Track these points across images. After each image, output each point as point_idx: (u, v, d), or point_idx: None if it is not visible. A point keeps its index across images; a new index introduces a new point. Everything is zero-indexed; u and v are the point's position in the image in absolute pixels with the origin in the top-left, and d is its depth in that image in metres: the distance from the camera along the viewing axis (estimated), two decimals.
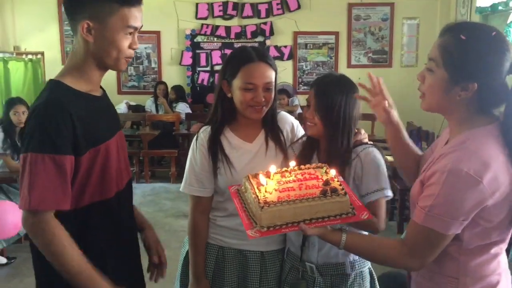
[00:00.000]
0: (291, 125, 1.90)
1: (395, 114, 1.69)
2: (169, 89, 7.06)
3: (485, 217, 1.25)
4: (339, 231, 1.44)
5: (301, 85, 7.59)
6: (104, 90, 1.61)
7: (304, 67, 7.53)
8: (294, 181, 1.55)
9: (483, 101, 1.29)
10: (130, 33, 1.43)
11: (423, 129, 5.66)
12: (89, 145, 1.39)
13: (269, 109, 1.79)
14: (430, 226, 1.25)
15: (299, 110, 6.55)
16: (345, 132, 1.72)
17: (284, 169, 1.61)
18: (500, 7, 5.63)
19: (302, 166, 1.62)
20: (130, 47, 1.44)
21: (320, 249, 1.75)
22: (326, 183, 1.49)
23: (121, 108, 6.83)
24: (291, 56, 7.47)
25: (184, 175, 1.86)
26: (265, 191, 1.48)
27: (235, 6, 7.27)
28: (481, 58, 1.25)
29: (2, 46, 6.81)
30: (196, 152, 1.81)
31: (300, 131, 1.91)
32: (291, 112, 5.65)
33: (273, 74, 1.75)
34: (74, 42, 1.46)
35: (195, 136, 1.85)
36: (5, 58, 6.12)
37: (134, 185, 6.00)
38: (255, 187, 1.50)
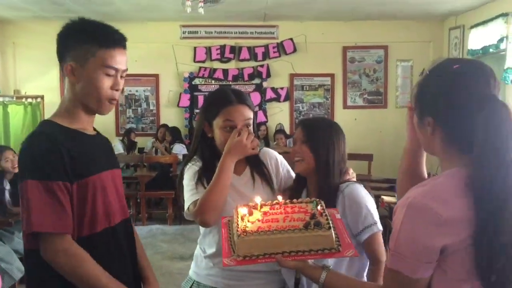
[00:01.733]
0: (275, 159, 1.95)
1: None
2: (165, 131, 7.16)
3: (450, 265, 1.15)
4: (320, 268, 1.39)
5: None
6: (97, 132, 1.64)
7: (300, 108, 7.63)
8: (280, 213, 1.53)
9: (451, 140, 1.21)
10: (110, 75, 1.47)
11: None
12: (75, 177, 1.42)
13: None
14: (396, 269, 1.17)
15: None
16: (338, 169, 1.77)
17: (275, 201, 1.60)
18: (491, 50, 5.78)
19: (295, 200, 1.61)
20: (112, 88, 1.48)
21: None
22: (312, 216, 1.47)
23: (117, 146, 6.86)
24: (288, 97, 7.58)
25: (186, 198, 1.82)
26: (247, 221, 1.47)
27: (233, 49, 7.43)
28: (436, 91, 1.21)
29: (3, 90, 6.90)
30: (192, 174, 1.82)
31: (285, 166, 1.96)
32: (288, 153, 5.65)
33: (251, 114, 1.83)
34: (65, 85, 1.54)
35: (185, 167, 1.87)
36: (5, 102, 6.19)
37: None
38: (239, 217, 1.49)
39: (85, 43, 1.45)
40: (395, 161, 6.16)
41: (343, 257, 1.42)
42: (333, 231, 1.40)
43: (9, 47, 7.22)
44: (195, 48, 7.45)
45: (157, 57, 7.39)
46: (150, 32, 7.25)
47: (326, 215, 1.46)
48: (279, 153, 2.05)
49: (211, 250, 1.84)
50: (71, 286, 1.42)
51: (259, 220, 1.48)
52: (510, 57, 5.37)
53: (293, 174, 1.93)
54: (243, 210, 1.52)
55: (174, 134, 7.12)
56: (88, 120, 1.55)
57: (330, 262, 1.74)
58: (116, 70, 1.47)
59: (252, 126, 1.84)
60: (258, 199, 1.60)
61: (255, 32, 7.48)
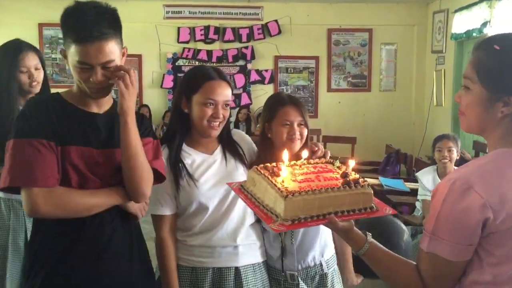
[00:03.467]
0: (247, 140, 1.99)
1: None
2: (152, 112, 7.07)
3: (486, 247, 1.14)
4: (364, 236, 1.31)
5: None
6: (114, 110, 1.58)
7: (285, 90, 7.60)
8: (309, 173, 1.43)
9: None
10: (86, 68, 1.45)
11: (401, 152, 5.74)
12: (57, 143, 1.48)
13: (224, 125, 1.86)
14: (434, 251, 1.14)
15: None
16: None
17: (292, 162, 1.52)
18: (474, 34, 5.81)
19: (311, 161, 1.56)
20: (88, 80, 1.47)
21: (299, 257, 1.86)
22: (345, 175, 1.38)
23: None
24: (272, 80, 7.55)
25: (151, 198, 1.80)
26: (282, 182, 1.34)
27: (217, 30, 7.34)
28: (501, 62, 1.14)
29: None
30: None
31: (253, 146, 2.00)
32: None
33: (231, 93, 1.83)
34: None
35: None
36: None
37: None
38: (269, 178, 1.37)
39: (66, 34, 1.47)
40: (378, 144, 6.30)
41: (384, 215, 1.38)
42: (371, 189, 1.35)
43: None
44: (178, 28, 7.34)
45: (140, 37, 7.24)
46: (133, 11, 7.10)
47: (356, 174, 1.40)
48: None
49: (187, 231, 1.83)
50: (46, 239, 1.53)
51: (293, 181, 1.37)
52: None
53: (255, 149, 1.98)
54: (282, 168, 1.40)
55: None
56: (89, 99, 1.55)
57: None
58: (90, 65, 1.44)
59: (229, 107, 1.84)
60: (305, 153, 1.55)
61: (240, 13, 7.40)
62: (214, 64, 7.30)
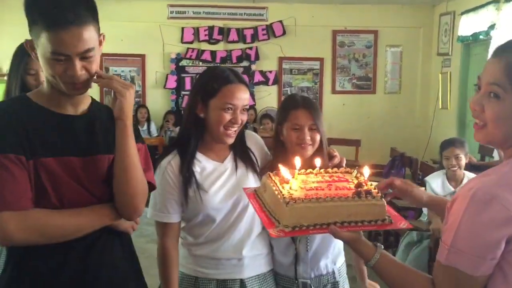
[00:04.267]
0: (261, 143, 1.93)
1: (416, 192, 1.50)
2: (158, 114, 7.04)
3: (510, 261, 1.07)
4: (374, 246, 1.26)
5: None
6: (97, 111, 1.45)
7: (289, 92, 7.54)
8: (321, 181, 1.40)
9: None
10: (61, 59, 1.24)
11: (406, 155, 5.68)
12: (30, 155, 1.27)
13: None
14: (454, 266, 1.08)
15: None
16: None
17: (309, 170, 1.50)
18: (481, 36, 5.75)
19: (329, 170, 1.54)
20: (65, 73, 1.26)
21: (312, 264, 1.81)
22: (359, 185, 1.35)
23: None
24: (276, 81, 7.50)
25: (151, 201, 1.75)
26: (290, 189, 1.32)
27: (221, 31, 7.30)
28: None
29: None
30: (166, 180, 1.72)
31: (265, 149, 1.94)
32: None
33: (249, 95, 1.78)
34: None
35: (162, 164, 1.75)
36: None
37: None
38: (278, 184, 1.36)
39: (34, 22, 1.25)
40: (383, 147, 6.23)
41: (397, 228, 1.34)
42: (385, 201, 1.30)
43: None
44: (182, 28, 7.30)
45: (144, 37, 7.23)
46: (137, 10, 7.09)
47: (372, 185, 1.36)
48: (265, 137, 2.04)
49: (192, 240, 1.78)
50: (28, 265, 1.33)
51: (301, 188, 1.35)
52: (497, 44, 5.35)
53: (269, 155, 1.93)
54: (285, 174, 1.39)
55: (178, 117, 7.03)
56: (66, 99, 1.35)
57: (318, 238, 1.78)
58: (66, 55, 1.24)
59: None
60: (318, 161, 1.52)
61: (244, 13, 7.36)
62: (218, 65, 7.25)
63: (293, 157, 1.64)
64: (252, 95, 7.40)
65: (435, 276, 1.15)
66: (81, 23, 1.23)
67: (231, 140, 1.74)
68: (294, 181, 1.38)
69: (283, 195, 1.28)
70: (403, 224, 1.31)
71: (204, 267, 1.75)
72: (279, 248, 1.84)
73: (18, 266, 1.33)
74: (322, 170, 1.51)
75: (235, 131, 1.72)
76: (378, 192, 1.32)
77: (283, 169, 1.43)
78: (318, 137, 1.81)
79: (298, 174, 1.44)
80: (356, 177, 1.44)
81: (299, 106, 1.81)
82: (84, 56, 1.27)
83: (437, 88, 7.00)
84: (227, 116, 1.69)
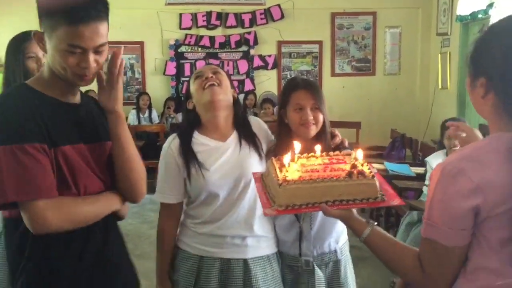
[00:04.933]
0: (264, 128, 1.97)
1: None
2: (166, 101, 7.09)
3: (483, 232, 1.11)
4: (365, 222, 1.34)
5: None
6: (87, 100, 1.52)
7: (288, 75, 7.54)
8: (319, 164, 1.49)
9: (502, 104, 1.14)
10: (77, 52, 1.31)
11: (406, 136, 5.70)
12: (49, 145, 1.31)
13: (237, 111, 1.89)
14: (431, 237, 1.14)
15: None
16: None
17: (311, 154, 1.57)
18: (479, 15, 5.73)
19: (331, 153, 1.59)
20: (78, 65, 1.32)
21: (315, 242, 1.85)
22: (354, 166, 1.43)
23: None
24: (276, 65, 7.49)
25: (157, 184, 1.88)
26: (286, 171, 1.41)
27: (219, 16, 7.27)
28: (492, 52, 1.13)
29: None
30: (167, 162, 1.85)
31: (269, 133, 1.98)
32: (276, 122, 5.61)
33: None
34: None
35: (164, 146, 1.88)
36: None
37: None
38: (277, 168, 1.45)
39: (52, 15, 1.30)
40: (383, 129, 6.24)
41: (389, 206, 1.42)
42: (377, 180, 1.36)
43: None
44: (180, 14, 7.27)
45: (142, 24, 7.20)
46: None
47: (367, 166, 1.43)
48: (267, 121, 2.09)
49: (198, 219, 1.84)
50: (53, 251, 1.37)
51: (298, 171, 1.43)
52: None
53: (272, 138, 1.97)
54: (284, 160, 1.47)
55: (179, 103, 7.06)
56: (67, 89, 1.41)
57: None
58: (83, 48, 1.30)
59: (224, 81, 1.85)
60: (318, 148, 1.57)
61: None
62: (217, 50, 7.26)
63: (297, 139, 1.69)
64: (251, 80, 7.40)
65: (420, 249, 1.21)
66: (99, 19, 1.32)
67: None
68: (293, 164, 1.45)
69: (278, 177, 1.37)
70: (395, 201, 1.37)
71: (208, 245, 1.81)
72: (283, 227, 1.89)
73: (43, 257, 1.37)
74: (324, 154, 1.56)
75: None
76: (370, 172, 1.38)
77: (287, 154, 1.49)
78: (321, 117, 1.83)
79: (299, 158, 1.51)
80: (355, 159, 1.49)
81: (300, 87, 1.85)
82: (98, 50, 1.34)
83: (437, 69, 6.99)
84: (199, 82, 1.82)
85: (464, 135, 1.65)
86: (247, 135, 1.88)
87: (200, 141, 1.83)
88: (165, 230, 1.89)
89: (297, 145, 1.54)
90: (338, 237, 1.92)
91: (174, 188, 1.84)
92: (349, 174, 1.36)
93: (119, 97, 1.43)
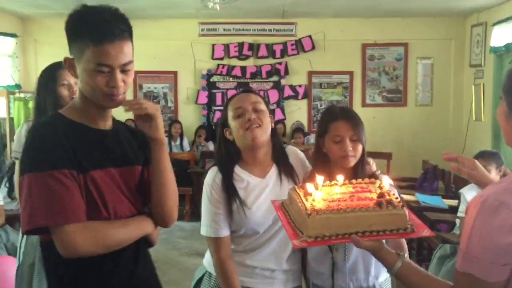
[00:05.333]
0: (299, 157, 1.94)
1: (482, 174, 1.54)
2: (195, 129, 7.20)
3: None
4: (396, 254, 1.31)
5: (315, 124, 7.61)
6: (119, 126, 1.55)
7: (318, 105, 7.57)
8: (344, 193, 1.45)
9: None
10: (105, 71, 1.35)
11: (439, 168, 5.60)
12: (78, 170, 1.34)
13: (275, 143, 1.86)
14: (468, 272, 1.10)
15: None
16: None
17: (333, 182, 1.53)
18: None
19: (353, 180, 1.55)
20: (107, 86, 1.37)
21: (351, 274, 1.78)
22: (381, 195, 1.38)
23: None
24: (306, 95, 7.54)
25: (202, 219, 1.85)
26: (313, 201, 1.37)
27: (251, 46, 7.41)
28: None
29: (24, 86, 7.00)
30: (211, 198, 1.82)
31: (306, 164, 1.94)
32: (306, 151, 5.63)
33: (260, 99, 1.84)
34: None
35: (207, 181, 1.85)
36: (26, 98, 6.29)
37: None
38: (302, 196, 1.41)
39: (79, 38, 1.36)
40: (414, 160, 6.18)
41: (419, 236, 1.37)
42: (406, 210, 1.33)
43: (30, 44, 7.32)
44: (213, 45, 7.44)
45: (176, 54, 7.41)
46: (169, 29, 7.28)
47: (394, 194, 1.39)
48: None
49: (232, 246, 1.84)
50: (85, 274, 1.39)
51: (324, 200, 1.39)
52: None
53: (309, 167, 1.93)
54: (308, 188, 1.43)
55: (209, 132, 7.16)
56: (99, 114, 1.45)
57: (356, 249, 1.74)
58: (110, 67, 1.35)
59: (264, 112, 1.83)
60: (320, 178, 1.51)
61: (273, 29, 7.45)
62: (248, 80, 7.37)
63: (336, 169, 1.71)
64: (282, 109, 7.46)
65: (455, 282, 1.17)
66: (123, 37, 1.36)
67: (257, 135, 1.77)
68: (318, 193, 1.41)
69: (305, 206, 1.33)
70: (425, 232, 1.33)
71: (239, 274, 1.80)
72: (316, 258, 1.84)
73: (74, 280, 1.39)
74: (347, 181, 1.53)
75: (256, 126, 1.78)
76: (399, 202, 1.34)
77: (308, 183, 1.46)
78: (360, 148, 1.79)
79: (323, 186, 1.48)
80: (380, 187, 1.46)
81: (338, 117, 1.81)
82: (124, 68, 1.38)
83: (470, 100, 6.89)
84: (241, 120, 1.79)
85: (465, 169, 1.57)
86: (285, 169, 1.86)
87: (241, 177, 1.83)
88: (227, 267, 1.77)
89: (320, 178, 1.50)
90: (379, 272, 1.83)
91: (222, 221, 1.80)
92: (379, 204, 1.32)
93: (161, 126, 1.46)
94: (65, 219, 1.29)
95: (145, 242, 1.55)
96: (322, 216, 1.28)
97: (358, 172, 1.77)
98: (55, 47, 7.13)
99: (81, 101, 1.44)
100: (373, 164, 1.87)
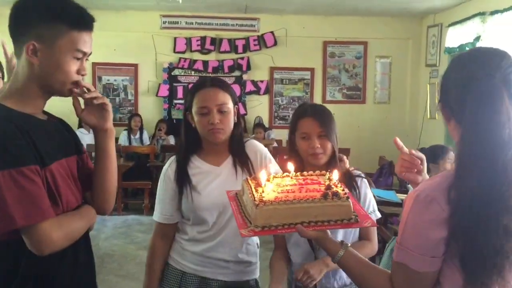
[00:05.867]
0: (258, 152, 1.93)
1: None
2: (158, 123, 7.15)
3: (456, 260, 1.11)
4: (339, 243, 1.35)
5: (276, 119, 7.70)
6: (49, 115, 1.50)
7: (280, 101, 7.65)
8: (294, 184, 1.48)
9: (457, 130, 1.19)
10: (79, 58, 1.36)
11: (394, 164, 5.75)
12: (41, 165, 1.30)
13: (234, 135, 1.85)
14: (402, 261, 1.15)
15: (274, 144, 6.62)
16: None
17: (285, 173, 1.55)
18: (467, 48, 5.87)
19: (305, 173, 1.57)
20: (78, 72, 1.37)
21: (334, 273, 1.79)
22: (328, 187, 1.42)
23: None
24: (268, 90, 7.59)
25: (156, 204, 1.92)
26: (262, 192, 1.39)
27: (213, 41, 7.40)
28: (451, 84, 1.19)
29: None
30: (164, 183, 1.88)
31: (268, 157, 1.94)
32: (267, 146, 5.67)
33: (227, 97, 1.80)
34: (17, 64, 1.38)
35: (164, 168, 1.90)
36: None
37: (106, 217, 6.00)
38: (253, 188, 1.44)
39: (54, 22, 1.31)
40: (372, 156, 6.31)
41: (362, 227, 1.41)
42: (350, 201, 1.37)
43: None
44: (175, 38, 7.39)
45: (137, 46, 7.31)
46: (130, 21, 7.17)
47: (341, 187, 1.44)
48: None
49: (186, 236, 1.87)
50: (48, 266, 1.36)
51: (274, 191, 1.42)
52: None
53: (276, 165, 1.94)
54: (261, 179, 1.45)
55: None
56: (41, 103, 1.41)
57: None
58: (84, 53, 1.37)
59: (233, 113, 1.82)
60: (291, 166, 1.54)
61: (236, 24, 7.47)
62: (210, 75, 7.35)
63: (308, 166, 1.73)
64: (243, 104, 7.48)
65: (392, 271, 1.23)
66: (92, 28, 1.39)
67: (218, 138, 1.79)
68: (269, 184, 1.45)
69: (254, 198, 1.36)
70: (368, 222, 1.38)
71: (193, 263, 1.84)
72: (299, 258, 1.84)
73: (38, 274, 1.35)
74: (298, 174, 1.56)
75: (218, 129, 1.77)
76: (345, 194, 1.38)
77: (261, 173, 1.47)
78: (329, 145, 1.78)
79: (274, 177, 1.51)
80: (329, 179, 1.50)
81: (307, 114, 1.81)
82: (87, 59, 1.40)
83: (426, 98, 7.12)
84: (204, 119, 1.77)
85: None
86: (241, 159, 1.88)
87: (196, 165, 1.85)
88: (157, 249, 1.89)
89: (290, 166, 1.53)
90: None
91: (170, 209, 1.86)
92: (324, 196, 1.36)
93: (111, 117, 1.48)
94: (41, 217, 1.26)
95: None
96: (269, 207, 1.32)
97: (331, 169, 1.74)
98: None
99: (26, 88, 1.36)
100: (346, 162, 1.90)
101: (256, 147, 1.94)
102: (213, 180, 1.83)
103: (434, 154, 3.65)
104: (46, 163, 1.31)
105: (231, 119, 1.82)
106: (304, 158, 1.82)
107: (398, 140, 1.44)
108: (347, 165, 1.90)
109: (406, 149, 1.46)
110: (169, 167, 1.87)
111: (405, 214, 1.16)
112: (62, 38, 1.31)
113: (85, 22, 1.36)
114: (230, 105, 1.81)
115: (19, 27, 1.34)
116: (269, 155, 1.96)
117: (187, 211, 1.83)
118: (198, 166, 1.85)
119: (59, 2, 1.35)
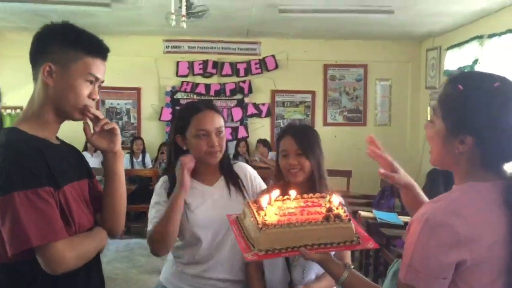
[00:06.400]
0: (248, 174, 2.00)
1: (402, 175, 1.59)
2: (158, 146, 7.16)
3: (464, 279, 1.16)
4: (343, 265, 1.37)
5: None
6: (61, 141, 1.56)
7: (281, 124, 7.69)
8: (295, 207, 1.51)
9: (485, 155, 1.20)
10: (91, 82, 1.44)
11: (395, 186, 5.75)
12: (55, 187, 1.36)
13: (224, 156, 1.91)
14: (411, 284, 1.17)
15: None
16: (325, 176, 1.87)
17: (286, 196, 1.58)
18: (466, 70, 5.94)
19: (305, 195, 1.60)
20: (89, 96, 1.45)
21: None
22: (329, 210, 1.45)
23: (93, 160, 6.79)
24: (269, 113, 7.65)
25: (149, 219, 1.91)
26: (265, 215, 1.42)
27: (215, 64, 7.49)
28: (480, 111, 1.17)
29: None
30: (158, 199, 1.90)
31: (257, 181, 2.00)
32: (267, 168, 5.70)
33: (222, 121, 1.88)
34: (34, 88, 1.46)
35: (157, 185, 1.94)
36: None
37: (108, 241, 5.92)
38: (255, 211, 1.46)
39: (69, 48, 1.41)
40: (373, 178, 6.30)
41: (365, 248, 1.43)
42: (352, 223, 1.39)
43: None
44: (177, 62, 7.49)
45: (140, 70, 7.40)
46: (133, 45, 7.27)
47: (343, 209, 1.46)
48: (258, 166, 2.10)
49: (185, 259, 1.89)
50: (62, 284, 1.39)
51: (276, 214, 1.44)
52: None
53: (264, 186, 1.99)
54: (262, 203, 1.47)
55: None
56: (55, 128, 1.49)
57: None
58: (97, 79, 1.46)
59: (224, 135, 1.89)
60: (276, 192, 1.57)
61: (238, 48, 7.57)
62: (212, 98, 7.42)
63: (290, 183, 1.78)
64: (245, 127, 7.53)
65: None
66: (106, 57, 1.51)
67: (215, 160, 1.86)
68: (270, 207, 1.47)
69: (257, 221, 1.38)
70: (370, 244, 1.41)
71: (192, 285, 1.86)
72: (275, 277, 1.85)
73: None
74: (298, 196, 1.59)
75: (216, 151, 1.84)
76: (346, 216, 1.41)
77: (264, 197, 1.51)
78: (307, 163, 1.82)
79: (275, 200, 1.54)
80: (329, 202, 1.52)
81: (286, 133, 1.90)
82: (99, 85, 1.49)
83: (426, 120, 7.12)
84: (203, 143, 1.82)
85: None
86: (232, 179, 1.94)
87: (190, 184, 1.87)
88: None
89: (275, 192, 1.56)
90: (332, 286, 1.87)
91: None
92: (327, 218, 1.39)
93: (120, 138, 1.55)
94: (54, 237, 1.30)
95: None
96: (272, 230, 1.33)
97: (314, 187, 1.81)
98: (16, 60, 6.95)
99: (42, 111, 1.43)
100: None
101: (245, 169, 2.02)
102: (207, 199, 1.88)
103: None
104: (59, 185, 1.37)
105: (225, 140, 1.89)
106: (285, 175, 1.86)
107: (373, 136, 1.55)
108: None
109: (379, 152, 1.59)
110: (162, 186, 1.91)
111: (414, 237, 1.17)
112: (76, 62, 1.41)
113: (100, 50, 1.47)
114: (223, 128, 1.89)
115: (38, 52, 1.43)
116: (258, 178, 2.02)
117: (183, 230, 1.85)
118: (191, 186, 1.87)
119: (77, 31, 1.45)
